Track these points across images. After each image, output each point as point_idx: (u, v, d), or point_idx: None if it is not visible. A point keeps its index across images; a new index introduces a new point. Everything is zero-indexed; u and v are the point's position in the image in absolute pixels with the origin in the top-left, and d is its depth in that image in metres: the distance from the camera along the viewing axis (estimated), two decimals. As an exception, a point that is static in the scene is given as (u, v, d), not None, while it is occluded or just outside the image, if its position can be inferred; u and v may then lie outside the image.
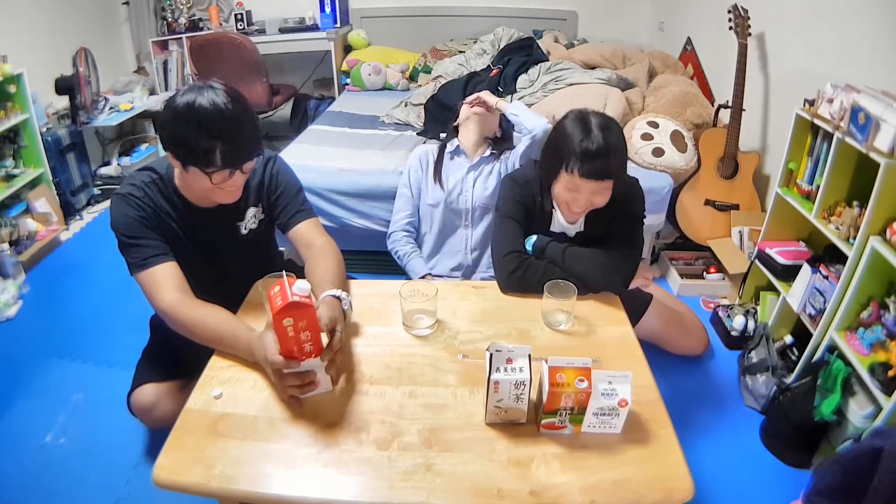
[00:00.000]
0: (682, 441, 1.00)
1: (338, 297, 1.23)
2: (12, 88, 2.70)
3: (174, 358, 1.49)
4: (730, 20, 2.40)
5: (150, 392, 1.47)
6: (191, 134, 1.16)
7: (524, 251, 1.48)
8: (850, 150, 1.65)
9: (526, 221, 1.53)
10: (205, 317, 1.21)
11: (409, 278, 1.92)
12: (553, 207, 1.53)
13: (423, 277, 1.87)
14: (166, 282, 1.25)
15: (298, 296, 0.99)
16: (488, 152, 2.00)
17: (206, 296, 1.27)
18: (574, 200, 1.42)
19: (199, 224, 1.39)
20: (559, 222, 1.54)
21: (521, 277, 1.41)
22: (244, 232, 1.47)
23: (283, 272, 1.07)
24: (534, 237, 1.51)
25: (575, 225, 1.54)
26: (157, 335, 1.60)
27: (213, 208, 1.38)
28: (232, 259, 1.47)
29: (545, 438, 1.02)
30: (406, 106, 3.32)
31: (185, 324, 1.21)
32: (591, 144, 1.34)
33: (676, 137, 2.53)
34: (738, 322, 2.13)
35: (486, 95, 2.01)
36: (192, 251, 1.38)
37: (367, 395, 1.11)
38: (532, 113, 1.99)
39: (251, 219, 1.47)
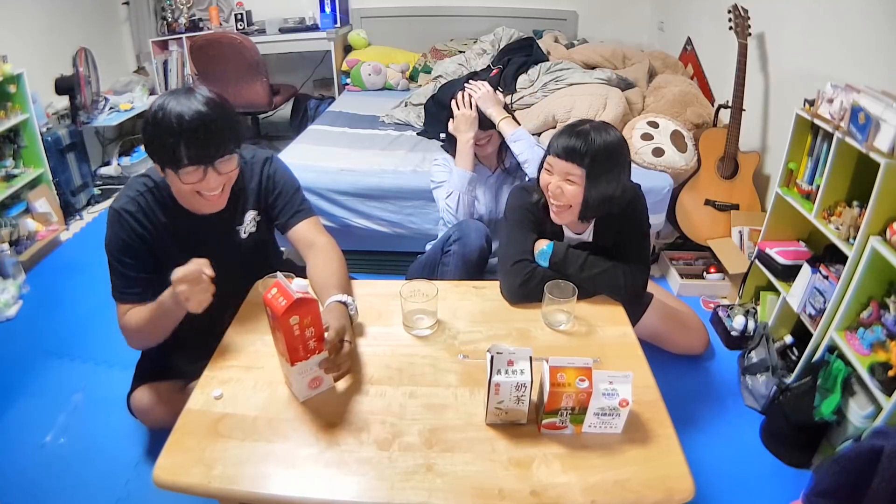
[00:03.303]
0: (682, 441, 1.00)
1: (344, 303, 1.22)
2: (12, 88, 2.69)
3: (174, 359, 1.49)
4: (730, 20, 2.40)
5: (149, 393, 1.47)
6: (158, 133, 1.17)
7: (532, 260, 1.44)
8: (850, 150, 1.65)
9: (536, 230, 1.51)
10: (138, 315, 1.29)
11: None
12: None
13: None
14: (131, 313, 1.32)
15: (300, 293, 0.98)
16: (508, 163, 1.93)
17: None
18: (550, 184, 1.42)
19: (196, 229, 1.37)
20: (569, 233, 1.53)
21: (531, 289, 1.38)
22: (243, 236, 1.45)
23: (278, 273, 1.06)
24: (549, 244, 1.46)
25: (584, 234, 1.53)
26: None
27: (208, 214, 1.37)
28: (231, 263, 1.45)
29: (546, 438, 1.02)
30: (406, 106, 3.32)
31: (132, 333, 1.31)
32: (572, 129, 1.39)
33: (676, 137, 2.53)
34: (738, 322, 2.13)
35: (485, 102, 1.84)
36: (188, 258, 1.37)
37: (368, 395, 1.11)
38: (534, 151, 1.81)
39: (250, 222, 1.45)
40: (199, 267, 1.12)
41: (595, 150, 1.36)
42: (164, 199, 1.34)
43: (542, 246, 1.46)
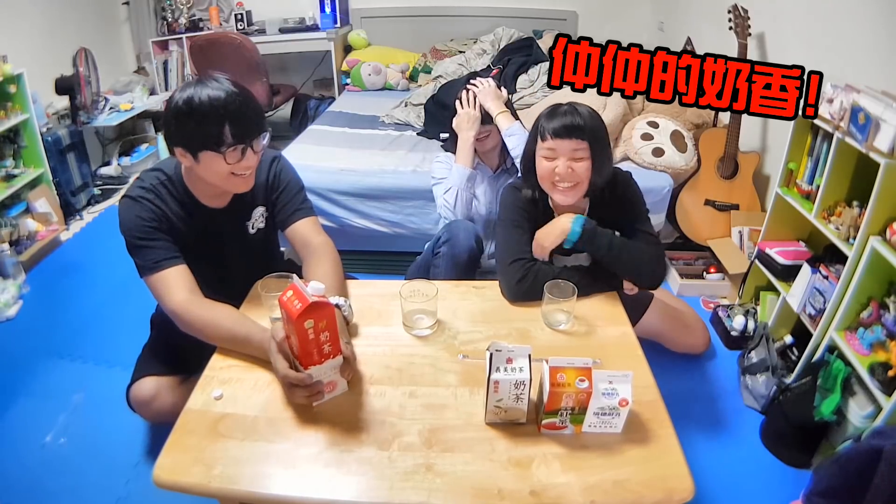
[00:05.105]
0: (682, 441, 1.00)
1: (337, 305, 1.22)
2: (12, 88, 2.69)
3: (174, 354, 1.50)
4: (730, 20, 2.40)
5: (149, 385, 1.47)
6: (198, 118, 1.18)
7: (530, 258, 1.44)
8: (850, 150, 1.65)
9: (531, 227, 1.51)
10: (217, 317, 1.22)
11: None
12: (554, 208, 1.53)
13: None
14: (177, 283, 1.26)
15: (317, 296, 0.98)
16: (510, 162, 1.93)
17: (210, 295, 1.27)
18: (558, 168, 1.42)
19: (208, 224, 1.39)
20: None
21: (529, 286, 1.38)
22: (252, 231, 1.48)
23: (294, 275, 1.06)
24: (576, 218, 1.42)
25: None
26: (158, 332, 1.60)
27: (222, 208, 1.40)
28: (238, 259, 1.48)
29: (545, 438, 1.02)
30: (406, 106, 3.32)
31: (195, 324, 1.22)
32: (556, 110, 1.44)
33: (676, 137, 2.53)
34: (738, 322, 2.13)
35: (485, 96, 1.86)
36: (199, 252, 1.38)
37: (368, 395, 1.11)
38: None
39: (258, 218, 1.48)
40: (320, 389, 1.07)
41: (590, 121, 1.42)
42: (179, 192, 1.36)
43: (568, 223, 1.41)
